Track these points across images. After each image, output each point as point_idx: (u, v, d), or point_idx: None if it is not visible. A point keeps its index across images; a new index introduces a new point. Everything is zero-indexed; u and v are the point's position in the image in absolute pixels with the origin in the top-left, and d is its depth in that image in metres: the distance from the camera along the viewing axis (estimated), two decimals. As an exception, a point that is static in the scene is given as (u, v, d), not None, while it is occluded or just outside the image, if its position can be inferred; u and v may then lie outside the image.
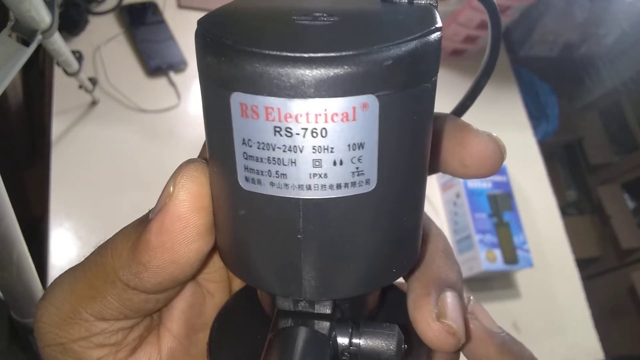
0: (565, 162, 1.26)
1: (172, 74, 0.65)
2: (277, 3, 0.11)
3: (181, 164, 0.11)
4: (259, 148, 0.09)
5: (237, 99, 0.09)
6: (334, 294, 0.11)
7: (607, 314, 0.91)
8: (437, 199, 0.71)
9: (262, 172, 0.09)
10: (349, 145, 0.09)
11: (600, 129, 1.20)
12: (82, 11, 0.63)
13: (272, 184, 0.09)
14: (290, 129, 0.09)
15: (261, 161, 0.09)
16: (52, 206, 0.53)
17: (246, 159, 0.09)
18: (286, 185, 0.09)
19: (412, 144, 0.10)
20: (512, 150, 0.85)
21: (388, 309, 0.14)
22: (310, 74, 0.08)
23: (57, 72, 0.57)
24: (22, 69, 0.37)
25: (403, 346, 0.11)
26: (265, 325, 0.12)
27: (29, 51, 0.38)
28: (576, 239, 0.76)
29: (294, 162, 0.09)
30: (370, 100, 0.09)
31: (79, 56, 0.51)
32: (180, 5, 0.70)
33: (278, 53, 0.08)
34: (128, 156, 0.59)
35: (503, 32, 1.01)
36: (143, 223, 0.12)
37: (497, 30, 0.13)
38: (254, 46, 0.09)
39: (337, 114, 0.09)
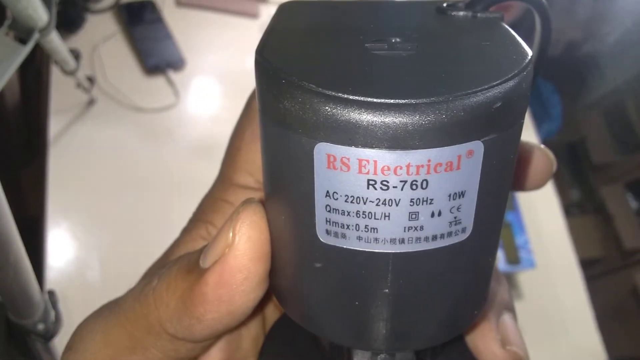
0: (568, 161, 1.25)
1: (170, 73, 0.64)
2: (333, 20, 0.10)
3: (239, 208, 0.10)
4: (346, 201, 0.08)
5: (324, 149, 0.08)
6: (418, 344, 0.10)
7: (610, 315, 0.90)
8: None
9: (348, 226, 0.09)
10: (449, 195, 0.08)
11: (603, 128, 1.20)
12: (79, 9, 0.63)
13: (359, 238, 0.09)
14: (387, 182, 0.08)
15: (348, 215, 0.08)
16: (50, 206, 0.53)
17: (329, 211, 0.09)
18: (376, 239, 0.09)
19: (506, 183, 0.09)
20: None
21: None
22: (414, 123, 0.07)
23: (55, 71, 0.57)
24: (19, 67, 0.37)
25: None
26: (316, 347, 0.12)
27: (26, 50, 0.37)
28: (579, 239, 0.75)
29: (388, 216, 0.08)
30: (476, 147, 0.08)
31: (76, 55, 0.50)
32: (179, 3, 0.70)
33: (375, 100, 0.07)
34: (126, 155, 0.59)
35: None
36: (193, 272, 0.10)
37: (547, 35, 0.12)
38: (344, 91, 0.08)
39: (440, 164, 0.08)
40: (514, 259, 0.62)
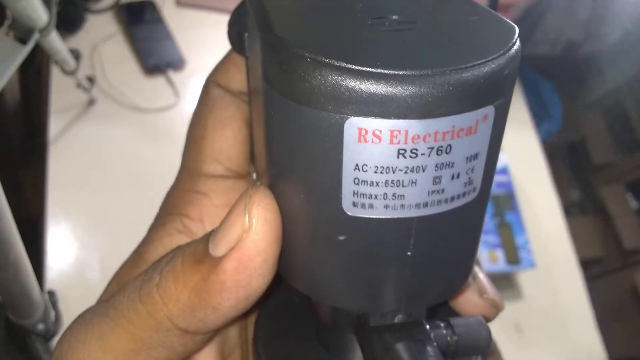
0: (568, 161, 1.25)
1: (170, 73, 0.64)
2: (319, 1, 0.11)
3: (248, 192, 0.10)
4: (375, 172, 0.09)
5: (355, 124, 0.08)
6: (433, 300, 0.11)
7: (610, 315, 0.90)
8: (438, 199, 0.71)
9: (376, 196, 0.09)
10: (466, 158, 0.09)
11: (603, 128, 1.20)
12: (79, 9, 0.63)
13: (386, 206, 0.09)
14: (416, 150, 0.08)
15: (377, 185, 0.09)
16: (50, 206, 0.53)
17: (357, 184, 0.09)
18: (402, 206, 0.09)
19: (500, 145, 0.10)
20: (515, 149, 0.84)
21: None
22: (441, 92, 0.08)
23: (55, 71, 0.57)
24: (19, 67, 0.37)
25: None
26: (310, 321, 0.12)
27: (26, 50, 0.38)
28: (579, 240, 0.75)
29: (414, 183, 0.09)
30: (490, 111, 0.09)
31: (76, 55, 0.50)
32: (179, 3, 0.70)
33: (406, 72, 0.08)
34: (126, 155, 0.59)
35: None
36: (203, 262, 0.10)
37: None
38: (375, 66, 0.08)
39: (462, 129, 0.08)
40: (514, 259, 0.62)
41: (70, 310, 0.45)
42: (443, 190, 0.09)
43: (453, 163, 0.09)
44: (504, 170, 0.68)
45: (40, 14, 0.38)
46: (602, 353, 0.67)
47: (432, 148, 0.08)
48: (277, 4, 0.10)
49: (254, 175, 0.13)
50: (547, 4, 0.97)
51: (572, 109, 1.15)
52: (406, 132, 0.08)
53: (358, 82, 0.08)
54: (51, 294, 0.45)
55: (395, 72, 0.08)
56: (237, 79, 0.12)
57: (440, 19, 0.10)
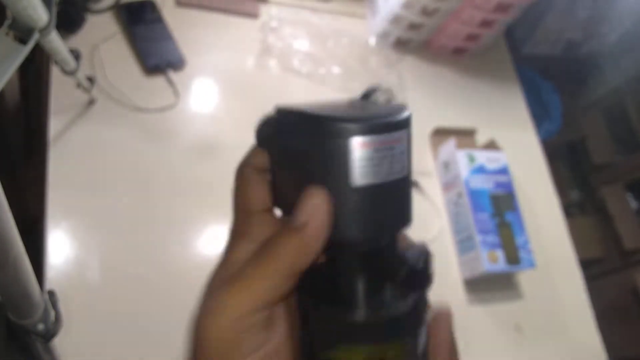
0: (568, 161, 1.25)
1: (170, 73, 0.64)
2: (314, 106, 0.20)
3: (310, 188, 0.18)
4: (365, 160, 0.18)
5: (355, 140, 0.18)
6: (390, 233, 0.20)
7: (610, 315, 0.90)
8: (438, 199, 0.70)
9: (367, 173, 0.18)
10: (400, 152, 0.19)
11: (603, 128, 1.20)
12: (80, 9, 0.63)
13: (372, 177, 0.18)
14: (381, 148, 0.18)
15: (366, 167, 0.18)
16: (50, 206, 0.53)
17: (359, 167, 0.18)
18: (379, 177, 0.18)
19: (411, 149, 0.20)
20: (515, 149, 0.83)
21: None
22: (389, 124, 0.18)
23: (55, 71, 0.57)
24: (19, 67, 0.37)
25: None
26: (329, 282, 0.20)
27: (26, 50, 0.38)
28: (579, 240, 0.75)
29: (382, 164, 0.18)
30: (406, 133, 0.19)
31: (76, 55, 0.51)
32: (179, 3, 0.70)
33: (376, 118, 0.18)
34: (126, 155, 0.59)
35: (505, 30, 1.03)
36: (295, 232, 0.18)
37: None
38: (350, 117, 0.18)
39: (396, 139, 0.18)
40: (514, 259, 0.62)
41: (70, 310, 0.45)
42: (393, 168, 0.18)
43: (394, 155, 0.18)
44: (504, 170, 0.68)
45: (40, 14, 0.38)
46: (602, 353, 0.67)
47: (387, 146, 0.18)
48: (289, 110, 0.20)
49: (276, 210, 0.21)
50: (547, 4, 0.97)
51: (572, 109, 1.15)
52: (378, 139, 0.18)
53: (350, 124, 0.18)
54: (51, 294, 0.45)
55: (364, 117, 0.18)
56: (261, 162, 0.21)
57: (368, 103, 0.22)
